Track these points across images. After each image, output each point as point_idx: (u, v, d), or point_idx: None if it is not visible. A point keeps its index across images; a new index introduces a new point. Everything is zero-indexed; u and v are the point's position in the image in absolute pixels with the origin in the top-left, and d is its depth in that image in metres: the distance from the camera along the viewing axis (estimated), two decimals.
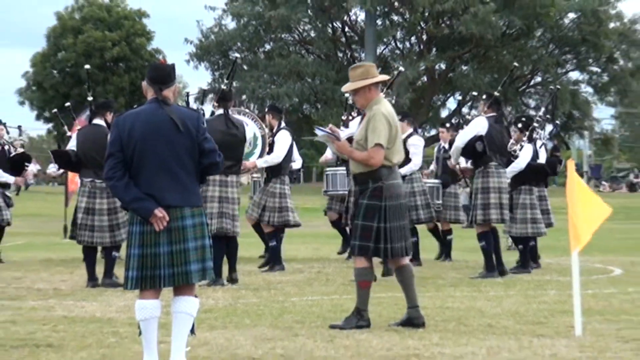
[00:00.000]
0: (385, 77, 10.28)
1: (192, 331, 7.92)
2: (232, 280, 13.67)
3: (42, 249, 16.75)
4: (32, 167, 16.28)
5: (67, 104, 19.28)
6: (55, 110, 24.66)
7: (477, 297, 12.57)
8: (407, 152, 16.34)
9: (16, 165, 15.25)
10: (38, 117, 62.01)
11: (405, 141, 16.40)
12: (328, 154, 17.99)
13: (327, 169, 17.87)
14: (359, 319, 9.97)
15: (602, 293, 12.88)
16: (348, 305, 11.57)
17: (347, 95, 18.45)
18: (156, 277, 7.71)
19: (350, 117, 16.44)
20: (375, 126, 9.73)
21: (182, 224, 7.73)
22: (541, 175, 15.99)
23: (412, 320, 9.98)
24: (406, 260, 10.09)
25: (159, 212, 7.64)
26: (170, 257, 7.70)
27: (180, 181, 7.74)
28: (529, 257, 15.82)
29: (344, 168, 17.02)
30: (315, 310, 11.16)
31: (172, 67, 8.11)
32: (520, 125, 16.13)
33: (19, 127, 16.74)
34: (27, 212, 34.71)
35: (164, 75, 7.96)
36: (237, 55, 23.58)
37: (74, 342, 9.00)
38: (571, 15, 57.66)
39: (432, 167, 18.58)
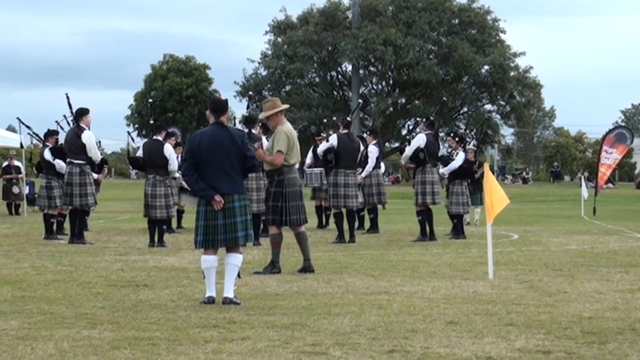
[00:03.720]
0: (285, 106, 10.13)
1: (238, 276, 7.91)
2: (255, 244, 13.40)
3: (140, 222, 16.73)
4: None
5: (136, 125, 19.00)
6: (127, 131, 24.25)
7: (425, 253, 12.54)
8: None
9: (98, 165, 15.23)
10: (138, 135, 61.80)
11: (367, 148, 16.41)
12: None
13: (306, 169, 17.70)
14: (272, 267, 9.91)
15: (505, 251, 12.85)
16: (340, 259, 11.57)
17: (334, 118, 18.39)
18: (215, 241, 7.73)
19: (328, 134, 16.09)
20: (278, 139, 9.79)
21: (232, 206, 7.73)
22: (469, 172, 15.91)
23: (307, 269, 9.95)
24: (302, 228, 10.04)
25: (217, 197, 7.67)
26: (224, 227, 7.71)
27: (231, 177, 7.75)
28: (462, 227, 15.70)
29: (319, 169, 16.87)
30: (318, 262, 11.11)
31: (226, 101, 8.14)
32: (457, 139, 16.10)
33: (99, 142, 16.64)
34: (130, 197, 34.69)
35: (221, 107, 7.97)
36: (251, 92, 23.23)
37: (161, 283, 9.00)
38: (486, 67, 57.50)
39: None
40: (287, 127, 9.87)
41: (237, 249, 7.81)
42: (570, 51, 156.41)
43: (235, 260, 7.78)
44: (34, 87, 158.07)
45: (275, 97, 54.64)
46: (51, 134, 15.38)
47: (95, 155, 13.92)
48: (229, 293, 7.64)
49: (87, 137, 13.68)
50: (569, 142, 69.62)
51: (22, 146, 23.74)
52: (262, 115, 10.09)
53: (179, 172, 14.17)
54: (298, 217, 9.95)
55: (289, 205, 9.83)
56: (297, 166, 10.21)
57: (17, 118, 17.28)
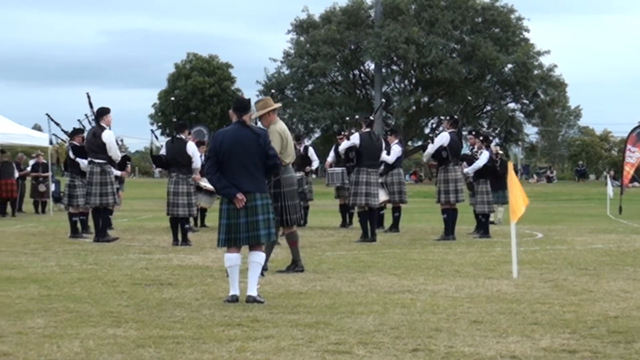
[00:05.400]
0: (278, 105, 9.95)
1: (261, 274, 7.91)
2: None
3: (164, 220, 16.78)
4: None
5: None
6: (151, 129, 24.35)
7: (449, 252, 12.49)
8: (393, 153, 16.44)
9: (121, 163, 15.29)
10: (162, 133, 62.07)
11: (390, 146, 16.41)
12: (330, 159, 17.90)
13: (328, 169, 17.78)
14: (295, 266, 9.86)
15: (530, 250, 12.79)
16: (363, 258, 11.55)
17: (356, 117, 18.28)
18: (237, 239, 7.74)
19: (351, 132, 15.97)
20: (272, 139, 9.53)
21: (254, 204, 7.74)
22: (493, 172, 15.83)
23: (295, 267, 9.80)
24: (294, 227, 9.92)
25: (240, 195, 7.68)
26: (246, 226, 7.72)
27: (254, 175, 7.76)
28: (488, 226, 15.62)
29: (341, 168, 16.92)
30: (342, 262, 11.12)
31: (249, 100, 8.18)
32: (481, 137, 16.01)
33: (121, 140, 16.77)
34: (155, 196, 34.88)
35: (243, 106, 8.01)
36: (273, 91, 23.39)
37: (184, 282, 9.03)
38: (509, 65, 57.22)
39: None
40: (280, 127, 9.76)
41: (259, 247, 7.82)
42: (597, 49, 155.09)
43: (258, 258, 7.79)
44: (60, 86, 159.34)
45: (300, 95, 54.01)
46: (77, 132, 15.47)
47: (115, 155, 14.00)
48: (253, 291, 7.65)
49: (107, 137, 13.77)
50: (594, 140, 69.08)
51: (51, 143, 23.86)
52: (254, 115, 9.95)
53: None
54: (296, 217, 9.91)
55: (287, 204, 9.75)
56: (291, 164, 10.13)
57: (47, 114, 17.31)
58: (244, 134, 7.75)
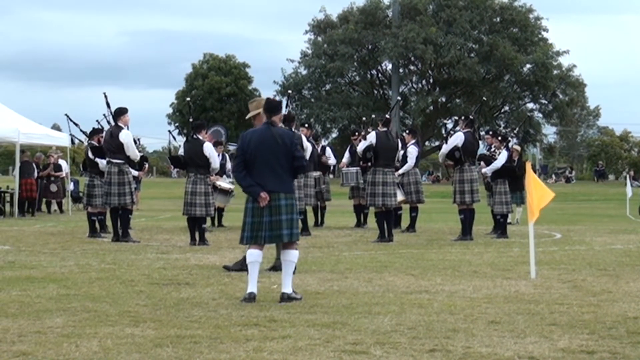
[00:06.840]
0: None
1: (294, 272, 7.94)
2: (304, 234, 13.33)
3: (182, 220, 16.81)
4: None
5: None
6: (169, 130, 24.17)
7: (466, 252, 12.45)
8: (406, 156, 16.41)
9: (139, 163, 15.32)
10: (179, 133, 62.27)
11: (407, 148, 16.39)
12: (345, 160, 17.88)
13: (343, 168, 17.78)
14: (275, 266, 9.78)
15: (548, 250, 12.73)
16: (381, 258, 11.53)
17: (373, 116, 18.25)
18: (259, 237, 7.82)
19: (367, 132, 15.84)
20: None
21: (278, 204, 7.80)
22: (511, 172, 15.76)
23: (277, 267, 9.52)
24: None
25: (264, 194, 7.75)
26: (269, 224, 7.79)
27: (279, 175, 7.83)
28: (506, 226, 15.57)
29: (355, 168, 16.91)
30: (359, 262, 11.10)
31: (280, 102, 8.24)
32: (499, 137, 15.96)
33: (139, 139, 16.82)
34: (173, 195, 34.99)
35: (273, 107, 8.09)
36: (290, 91, 23.16)
37: (202, 281, 9.05)
38: (528, 65, 57.03)
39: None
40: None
41: (292, 246, 7.85)
42: (616, 49, 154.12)
43: (291, 256, 7.85)
44: (80, 86, 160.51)
45: (318, 95, 53.87)
46: (96, 132, 15.53)
47: (134, 154, 14.03)
48: (287, 289, 7.71)
49: (125, 136, 13.82)
50: (613, 140, 68.68)
51: (73, 143, 23.83)
52: (248, 116, 9.91)
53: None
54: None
55: None
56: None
57: (65, 115, 17.36)
58: (271, 134, 7.82)
